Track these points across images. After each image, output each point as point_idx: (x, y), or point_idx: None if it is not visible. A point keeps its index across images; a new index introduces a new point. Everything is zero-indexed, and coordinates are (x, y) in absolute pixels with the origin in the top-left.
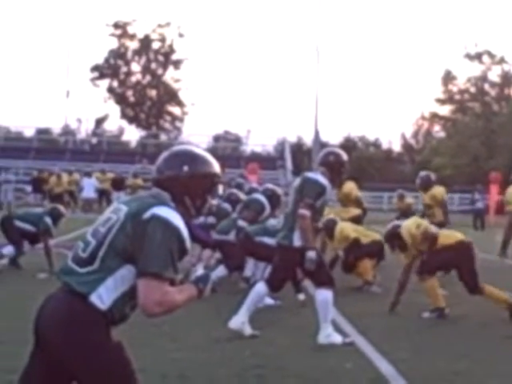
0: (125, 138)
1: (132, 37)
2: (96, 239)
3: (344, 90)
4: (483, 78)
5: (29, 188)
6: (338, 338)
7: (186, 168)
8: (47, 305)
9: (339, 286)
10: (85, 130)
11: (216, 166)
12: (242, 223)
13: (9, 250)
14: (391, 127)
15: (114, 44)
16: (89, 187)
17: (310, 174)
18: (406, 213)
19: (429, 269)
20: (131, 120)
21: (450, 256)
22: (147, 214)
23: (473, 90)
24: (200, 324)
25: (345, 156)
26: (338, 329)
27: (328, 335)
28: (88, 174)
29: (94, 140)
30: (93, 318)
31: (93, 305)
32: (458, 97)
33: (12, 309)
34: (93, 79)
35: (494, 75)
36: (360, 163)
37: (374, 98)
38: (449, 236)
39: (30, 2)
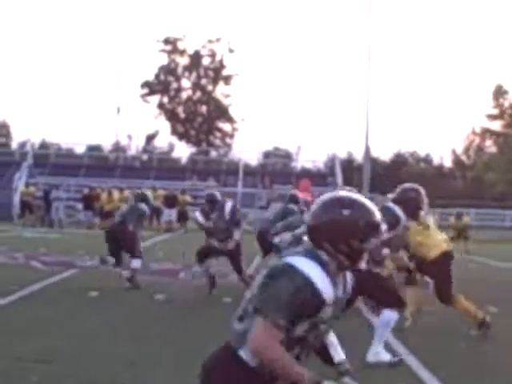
0: (175, 154)
1: (182, 53)
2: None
3: (395, 105)
4: None
5: (80, 205)
6: (386, 357)
7: (345, 212)
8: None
9: None
10: (135, 146)
11: (378, 215)
12: None
13: (137, 263)
14: (442, 142)
15: (164, 60)
16: None
17: (389, 205)
18: (461, 233)
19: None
20: (181, 136)
21: (432, 269)
22: (281, 263)
23: None
24: None
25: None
26: (388, 348)
27: (377, 353)
28: None
29: (145, 157)
30: (240, 375)
31: (242, 360)
32: (510, 111)
33: (137, 330)
34: (143, 95)
35: None
36: (411, 179)
37: (425, 113)
38: (435, 247)
39: (81, 18)
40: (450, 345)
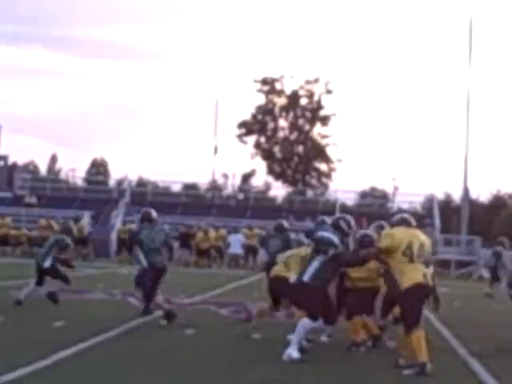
0: (271, 193)
1: (280, 93)
2: None
3: (494, 144)
4: None
5: (176, 243)
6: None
7: None
8: None
9: None
10: (231, 185)
11: None
12: None
13: None
14: None
15: (261, 100)
16: (235, 243)
17: None
18: None
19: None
20: (278, 176)
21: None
22: None
23: None
24: None
25: None
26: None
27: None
28: (235, 230)
29: (241, 196)
30: None
31: None
32: None
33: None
34: (240, 135)
35: None
36: (510, 222)
37: None
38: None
39: (180, 55)
40: None
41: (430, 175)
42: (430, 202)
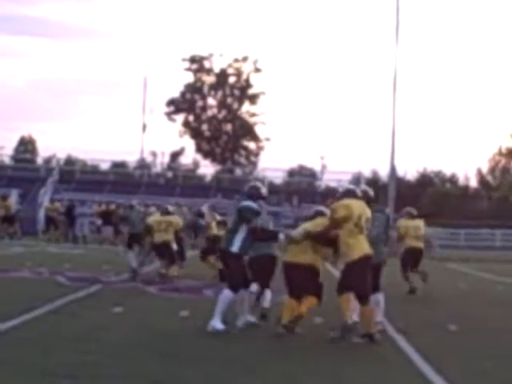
0: (200, 172)
1: (208, 71)
2: None
3: (420, 123)
4: None
5: (99, 221)
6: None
7: None
8: None
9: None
10: (160, 163)
11: None
12: None
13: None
14: (467, 162)
15: (190, 78)
16: None
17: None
18: None
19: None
20: (206, 154)
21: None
22: None
23: None
24: None
25: None
26: (414, 367)
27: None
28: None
29: (170, 174)
30: None
31: None
32: None
33: None
34: (169, 113)
35: None
36: (436, 199)
37: (450, 131)
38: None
39: (109, 32)
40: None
41: (358, 153)
42: (357, 179)
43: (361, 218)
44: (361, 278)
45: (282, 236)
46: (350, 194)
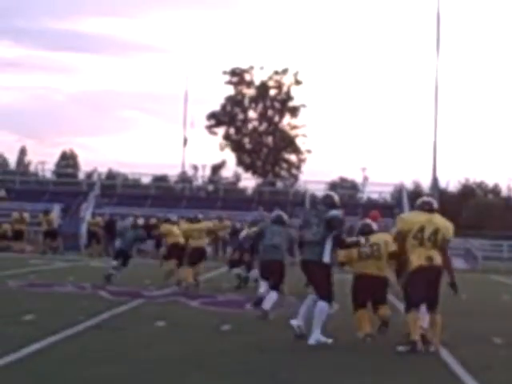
0: (241, 185)
1: (249, 84)
2: None
3: (463, 133)
4: None
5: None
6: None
7: None
8: None
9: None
10: (201, 177)
11: None
12: None
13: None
14: (510, 172)
15: (230, 91)
16: None
17: None
18: None
19: None
20: (248, 167)
21: None
22: None
23: None
24: None
25: None
26: (458, 381)
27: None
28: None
29: (211, 187)
30: None
31: None
32: None
33: None
34: (209, 126)
35: None
36: (478, 211)
37: (492, 141)
38: None
39: (149, 49)
40: None
41: (400, 165)
42: (399, 191)
43: (423, 230)
44: (418, 289)
45: (363, 240)
46: (419, 206)
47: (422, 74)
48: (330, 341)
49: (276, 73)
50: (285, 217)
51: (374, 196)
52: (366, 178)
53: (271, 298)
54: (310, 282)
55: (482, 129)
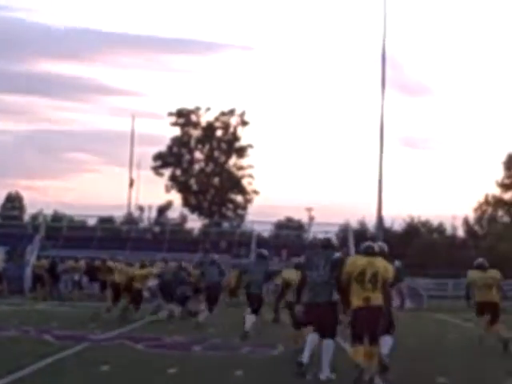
0: (187, 226)
1: (195, 125)
2: None
3: (407, 172)
4: None
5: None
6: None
7: None
8: None
9: None
10: (147, 218)
11: None
12: None
13: None
14: (454, 211)
15: (177, 132)
16: None
17: None
18: None
19: None
20: (194, 208)
21: None
22: None
23: None
24: None
25: None
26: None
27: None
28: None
29: (157, 228)
30: None
31: None
32: None
33: None
34: (156, 167)
35: None
36: (423, 249)
37: (437, 179)
38: None
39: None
40: None
41: (345, 205)
42: (344, 231)
43: (364, 273)
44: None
45: None
46: (360, 250)
47: (367, 113)
48: (333, 376)
49: (222, 114)
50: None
51: (320, 236)
52: (311, 218)
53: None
54: (317, 322)
55: (426, 167)
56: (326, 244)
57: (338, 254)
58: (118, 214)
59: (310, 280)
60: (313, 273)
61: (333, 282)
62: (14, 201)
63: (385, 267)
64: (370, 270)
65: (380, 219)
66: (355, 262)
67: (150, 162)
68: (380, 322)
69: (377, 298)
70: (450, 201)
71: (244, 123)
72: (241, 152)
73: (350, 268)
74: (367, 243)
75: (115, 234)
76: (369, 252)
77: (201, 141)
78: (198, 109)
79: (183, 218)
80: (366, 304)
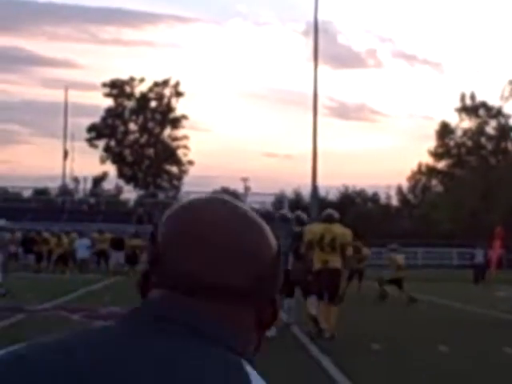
0: (123, 197)
1: (129, 96)
2: None
3: (342, 141)
4: (480, 132)
5: (20, 249)
6: None
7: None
8: None
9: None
10: (82, 189)
11: None
12: None
13: None
14: (388, 180)
15: (110, 103)
16: (82, 248)
17: None
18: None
19: None
20: (129, 179)
21: None
22: None
23: (469, 143)
24: None
25: None
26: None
27: None
28: (81, 235)
29: (92, 200)
30: None
31: None
32: (455, 151)
33: None
34: (90, 139)
35: (491, 128)
36: (358, 219)
37: (370, 150)
38: None
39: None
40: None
41: (281, 175)
42: (280, 201)
43: (322, 238)
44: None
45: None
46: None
47: (300, 84)
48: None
49: (156, 84)
50: None
51: (256, 206)
52: (247, 189)
53: None
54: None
55: (359, 137)
56: (285, 218)
57: (297, 229)
58: (53, 186)
59: None
60: None
61: (289, 252)
62: None
63: (342, 233)
64: (329, 236)
65: (315, 189)
66: (312, 229)
67: (85, 134)
68: (338, 282)
69: (334, 261)
70: (384, 171)
71: (178, 94)
72: (175, 123)
73: (310, 235)
74: (328, 211)
75: (50, 206)
76: (326, 219)
77: (135, 112)
78: (132, 79)
79: (118, 189)
80: (324, 266)
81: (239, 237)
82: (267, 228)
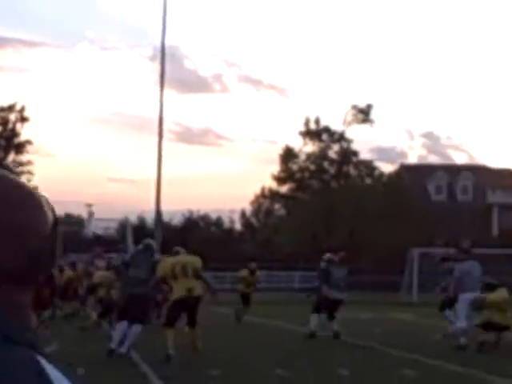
0: None
1: None
2: None
3: (187, 166)
4: (323, 156)
5: None
6: None
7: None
8: None
9: None
10: None
11: None
12: None
13: None
14: (233, 204)
15: None
16: None
17: None
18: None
19: None
20: None
21: None
22: None
23: (312, 167)
24: None
25: None
26: None
27: None
28: None
29: None
30: None
31: None
32: (298, 175)
33: None
34: None
35: (333, 153)
36: (202, 243)
37: (214, 175)
38: None
39: None
40: None
41: (125, 199)
42: (123, 227)
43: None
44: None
45: None
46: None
47: (146, 108)
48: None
49: (1, 109)
50: None
51: (99, 232)
52: (91, 214)
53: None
54: (134, 310)
55: (203, 162)
56: (149, 248)
57: (157, 257)
58: None
59: (132, 275)
60: (135, 270)
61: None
62: None
63: (192, 259)
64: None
65: (159, 214)
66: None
67: None
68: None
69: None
70: (228, 195)
71: (23, 119)
72: (20, 148)
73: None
74: (175, 248)
75: None
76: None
77: None
78: None
79: None
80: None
81: (8, 212)
82: (43, 200)
